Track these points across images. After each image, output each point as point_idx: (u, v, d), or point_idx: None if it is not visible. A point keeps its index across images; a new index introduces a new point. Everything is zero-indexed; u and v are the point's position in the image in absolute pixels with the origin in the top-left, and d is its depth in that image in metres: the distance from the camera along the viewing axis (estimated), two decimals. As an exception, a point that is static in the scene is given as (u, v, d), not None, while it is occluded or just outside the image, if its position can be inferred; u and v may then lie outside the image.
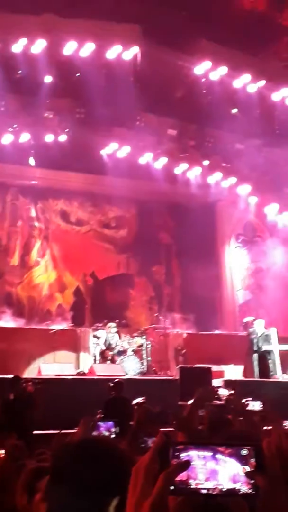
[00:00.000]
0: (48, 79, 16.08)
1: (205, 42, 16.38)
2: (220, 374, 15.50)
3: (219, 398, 12.26)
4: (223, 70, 17.12)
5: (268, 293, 21.67)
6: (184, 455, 1.58)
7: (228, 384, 13.64)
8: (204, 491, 1.56)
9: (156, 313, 19.78)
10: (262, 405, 10.65)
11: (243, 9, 17.26)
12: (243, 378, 15.63)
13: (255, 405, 10.66)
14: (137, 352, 16.03)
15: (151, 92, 16.77)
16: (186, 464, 1.55)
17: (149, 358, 16.26)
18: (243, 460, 1.57)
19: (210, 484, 1.56)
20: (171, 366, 17.13)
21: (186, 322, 20.00)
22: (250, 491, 1.56)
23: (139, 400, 10.75)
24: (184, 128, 18.34)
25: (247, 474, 1.56)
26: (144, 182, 18.99)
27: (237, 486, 1.56)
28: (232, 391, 12.61)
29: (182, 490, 1.56)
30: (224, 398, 12.29)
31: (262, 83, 17.49)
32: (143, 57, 16.47)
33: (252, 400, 10.81)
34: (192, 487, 1.56)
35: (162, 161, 18.77)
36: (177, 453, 1.57)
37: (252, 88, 17.57)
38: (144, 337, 16.45)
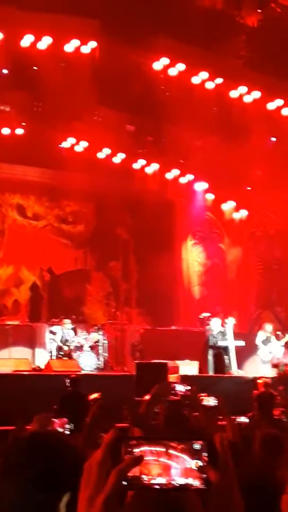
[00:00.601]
0: (4, 71, 15.91)
1: (163, 38, 16.39)
2: (176, 370, 15.59)
3: (175, 394, 12.35)
4: (181, 66, 17.17)
5: (224, 289, 21.89)
6: (136, 451, 1.56)
7: (184, 379, 13.70)
8: (157, 486, 1.55)
9: (113, 309, 19.80)
10: (216, 401, 10.71)
11: (202, 6, 17.35)
12: (198, 374, 15.73)
13: (209, 401, 10.75)
14: (93, 348, 16.01)
15: (110, 87, 16.74)
16: (139, 459, 1.54)
17: (105, 354, 16.25)
18: (195, 455, 1.57)
19: (162, 479, 1.55)
20: (127, 361, 17.17)
21: (143, 317, 20.07)
22: (202, 485, 1.56)
23: (95, 395, 10.73)
24: (142, 124, 18.35)
25: (199, 469, 1.55)
26: (102, 177, 18.94)
27: (189, 481, 1.56)
28: (189, 387, 12.71)
29: (134, 485, 1.55)
30: (180, 393, 12.38)
31: (220, 80, 17.59)
32: (101, 52, 16.41)
33: (207, 396, 10.89)
34: (144, 482, 1.55)
35: (120, 156, 18.75)
36: (130, 449, 1.56)
37: (210, 85, 17.66)
38: (100, 332, 16.45)
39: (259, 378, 12.87)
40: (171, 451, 1.57)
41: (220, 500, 1.58)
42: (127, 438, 1.58)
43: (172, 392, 12.07)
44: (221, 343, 16.13)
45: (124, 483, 1.53)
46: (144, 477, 1.56)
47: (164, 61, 17.07)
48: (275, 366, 15.85)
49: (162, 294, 20.26)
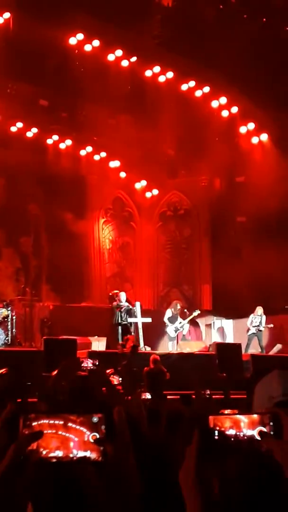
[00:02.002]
0: None
1: (79, 14, 16.22)
2: (85, 346, 15.70)
3: (82, 369, 12.48)
4: (96, 43, 17.09)
5: (134, 267, 22.13)
6: (35, 424, 1.60)
7: (92, 355, 13.85)
8: (54, 460, 1.60)
9: (23, 285, 19.62)
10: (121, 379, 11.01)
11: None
12: (106, 350, 15.91)
13: (114, 379, 11.00)
14: (1, 323, 15.86)
15: (23, 60, 16.43)
16: (38, 434, 1.58)
17: (14, 330, 16.14)
18: (94, 428, 1.61)
19: (60, 453, 1.60)
20: (36, 337, 17.13)
21: (53, 294, 20.02)
22: (99, 458, 1.60)
23: (1, 371, 10.70)
24: (56, 99, 18.15)
25: (96, 441, 1.60)
26: (13, 151, 18.61)
27: (87, 453, 1.60)
28: (96, 362, 12.86)
29: (32, 458, 1.58)
30: (88, 369, 12.51)
31: (134, 59, 17.63)
32: (15, 24, 16.07)
33: (113, 371, 11.09)
34: (42, 455, 1.59)
35: (33, 131, 18.51)
36: (28, 422, 1.60)
37: (124, 64, 17.67)
38: (9, 308, 16.29)
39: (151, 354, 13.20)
40: (70, 424, 1.62)
41: (116, 472, 1.63)
42: (25, 412, 1.62)
43: (80, 367, 12.21)
44: (129, 319, 16.35)
45: (22, 457, 1.57)
46: (42, 451, 1.60)
47: (79, 36, 16.92)
48: None
49: (73, 271, 20.26)
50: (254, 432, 1.64)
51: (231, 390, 13.04)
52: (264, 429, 1.63)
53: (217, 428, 1.64)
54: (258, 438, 1.63)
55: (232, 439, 1.63)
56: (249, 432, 1.64)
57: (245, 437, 1.63)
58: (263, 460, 1.66)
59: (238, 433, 1.64)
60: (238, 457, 1.73)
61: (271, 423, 1.63)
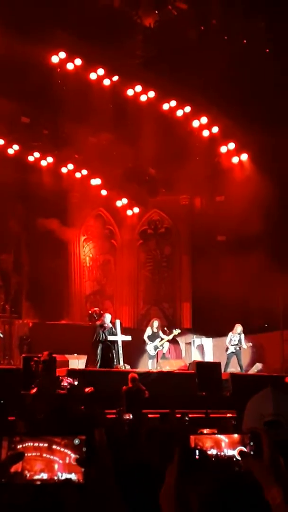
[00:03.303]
0: None
1: (61, 32, 16.32)
2: (64, 364, 15.62)
3: (62, 388, 12.40)
4: (77, 62, 17.20)
5: (114, 285, 22.10)
6: (20, 447, 1.60)
7: (72, 373, 13.79)
8: (38, 482, 1.59)
9: (2, 302, 19.52)
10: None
11: (100, 3, 17.42)
12: (86, 368, 15.85)
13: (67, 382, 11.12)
14: (-19, 341, 15.76)
15: (5, 77, 16.46)
16: (19, 456, 1.58)
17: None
18: (76, 450, 1.62)
19: (45, 475, 1.60)
20: (15, 355, 17.02)
21: (33, 311, 19.92)
22: (81, 480, 1.60)
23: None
24: (38, 117, 18.19)
25: (78, 463, 1.60)
26: (-5, 168, 18.60)
27: (72, 476, 1.60)
28: (75, 381, 12.81)
29: (16, 481, 1.58)
30: (67, 387, 12.45)
31: (116, 78, 17.76)
32: (-3, 41, 16.12)
33: (92, 389, 11.06)
34: (27, 478, 1.58)
35: (14, 148, 18.52)
36: (13, 445, 1.60)
37: (106, 82, 17.79)
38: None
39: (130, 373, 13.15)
40: (54, 447, 1.61)
41: (97, 495, 1.63)
42: (11, 434, 1.61)
43: (59, 385, 12.16)
44: (109, 338, 16.31)
45: (4, 479, 1.56)
46: (27, 473, 1.59)
47: (62, 55, 17.02)
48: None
49: (53, 288, 20.19)
50: (235, 452, 1.65)
51: (211, 409, 13.04)
52: (244, 449, 1.64)
53: (198, 447, 1.65)
54: (239, 458, 1.64)
55: (213, 459, 1.64)
56: (229, 452, 1.65)
57: (226, 457, 1.64)
58: (243, 480, 1.67)
59: (219, 453, 1.65)
60: (218, 477, 1.74)
61: (251, 443, 1.65)
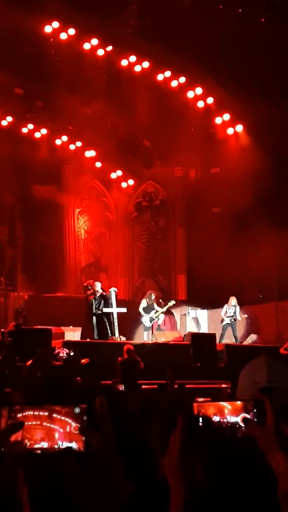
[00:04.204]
0: None
1: (53, 1, 16.10)
2: (60, 336, 15.70)
3: (57, 359, 12.47)
4: (71, 31, 16.98)
5: (109, 257, 22.11)
6: (19, 416, 1.61)
7: (67, 345, 13.85)
8: (38, 451, 1.60)
9: (-2, 275, 19.54)
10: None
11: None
12: (81, 340, 15.92)
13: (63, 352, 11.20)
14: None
15: (-2, 48, 16.30)
16: (19, 425, 1.58)
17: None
18: (77, 419, 1.62)
19: (45, 444, 1.61)
20: (10, 327, 17.04)
21: (28, 284, 19.94)
22: (82, 449, 1.62)
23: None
24: (31, 88, 18.00)
25: (80, 431, 1.62)
26: (-12, 141, 18.48)
27: (73, 444, 1.62)
28: (71, 352, 12.87)
29: (16, 450, 1.59)
30: (63, 358, 12.52)
31: (109, 48, 17.56)
32: (-11, 11, 15.91)
33: (88, 361, 11.12)
34: (27, 447, 1.60)
35: (8, 120, 18.37)
36: (13, 414, 1.60)
37: (100, 53, 17.59)
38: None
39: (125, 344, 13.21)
40: (55, 415, 1.62)
41: (99, 461, 1.64)
42: (11, 403, 1.62)
43: (54, 357, 12.22)
44: (104, 310, 16.35)
45: (4, 448, 1.57)
46: (27, 442, 1.60)
47: (55, 24, 16.81)
48: None
49: (48, 260, 20.20)
50: (238, 419, 1.66)
51: (206, 379, 13.14)
52: (248, 416, 1.66)
53: (202, 414, 1.66)
54: (242, 424, 1.65)
55: (216, 425, 1.65)
56: (232, 419, 1.66)
57: (229, 424, 1.66)
58: (246, 447, 1.69)
59: (222, 420, 1.66)
60: (222, 443, 1.76)
61: (255, 410, 1.66)
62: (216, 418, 1.65)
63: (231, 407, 1.66)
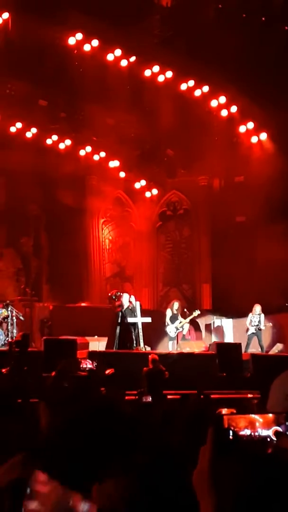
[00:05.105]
0: None
1: (78, 13, 16.22)
2: (85, 346, 15.71)
3: (82, 370, 12.48)
4: (94, 43, 17.08)
5: (134, 267, 22.13)
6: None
7: (92, 355, 13.87)
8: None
9: (23, 285, 19.66)
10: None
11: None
12: (106, 350, 15.92)
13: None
14: (1, 324, 15.89)
15: (22, 60, 16.45)
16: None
17: (14, 330, 16.15)
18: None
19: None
20: (36, 338, 17.14)
21: (53, 294, 20.04)
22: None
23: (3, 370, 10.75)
24: (56, 100, 18.14)
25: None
26: (13, 152, 18.62)
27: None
28: (95, 363, 12.89)
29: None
30: (88, 369, 12.53)
31: (133, 58, 17.63)
32: (14, 24, 16.08)
33: (112, 371, 11.10)
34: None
35: (32, 131, 18.52)
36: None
37: (123, 63, 17.67)
38: (10, 308, 16.32)
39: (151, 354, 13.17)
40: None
41: None
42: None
43: (79, 367, 12.22)
44: (129, 320, 16.34)
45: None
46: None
47: (78, 36, 16.92)
48: None
49: (73, 271, 20.29)
50: (269, 432, 1.63)
51: (232, 389, 13.07)
52: (280, 429, 1.63)
53: (232, 428, 1.63)
54: (274, 438, 1.62)
55: (246, 439, 1.63)
56: (264, 432, 1.64)
57: (260, 437, 1.63)
58: (278, 461, 1.65)
59: (253, 433, 1.63)
60: (253, 457, 1.72)
61: (287, 423, 1.63)
62: (247, 432, 1.62)
63: (263, 420, 1.63)
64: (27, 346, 12.97)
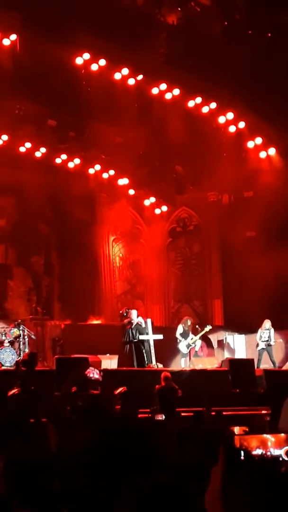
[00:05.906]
0: None
1: (84, 34, 16.36)
2: (97, 364, 15.67)
3: (95, 388, 12.44)
4: (102, 62, 17.22)
5: (145, 284, 22.10)
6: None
7: (104, 373, 13.82)
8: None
9: (35, 304, 19.68)
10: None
11: (123, 3, 17.45)
12: (118, 368, 15.88)
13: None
14: (13, 343, 15.89)
15: (31, 80, 16.60)
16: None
17: (26, 350, 16.16)
18: None
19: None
20: (48, 356, 17.12)
21: (65, 312, 20.04)
22: None
23: (14, 391, 10.73)
24: (64, 119, 18.26)
25: None
26: (23, 171, 18.76)
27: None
28: (101, 373, 12.89)
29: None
30: (94, 379, 12.49)
31: (140, 77, 17.74)
32: (22, 45, 16.24)
33: (125, 389, 11.05)
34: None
35: (42, 151, 18.64)
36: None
37: (131, 82, 17.78)
38: (21, 328, 16.34)
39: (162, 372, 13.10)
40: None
41: None
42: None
43: (86, 378, 12.17)
44: (141, 337, 16.30)
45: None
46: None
47: (86, 56, 17.06)
48: None
49: (84, 289, 20.29)
50: (282, 452, 1.62)
51: (245, 405, 12.97)
52: None
53: (244, 448, 1.62)
54: (286, 458, 1.61)
55: (258, 458, 1.60)
56: (276, 452, 1.62)
57: (272, 457, 1.61)
58: None
59: (264, 453, 1.61)
60: (266, 476, 1.70)
61: None
62: (258, 451, 1.60)
63: (275, 439, 1.62)
64: (34, 365, 12.94)
